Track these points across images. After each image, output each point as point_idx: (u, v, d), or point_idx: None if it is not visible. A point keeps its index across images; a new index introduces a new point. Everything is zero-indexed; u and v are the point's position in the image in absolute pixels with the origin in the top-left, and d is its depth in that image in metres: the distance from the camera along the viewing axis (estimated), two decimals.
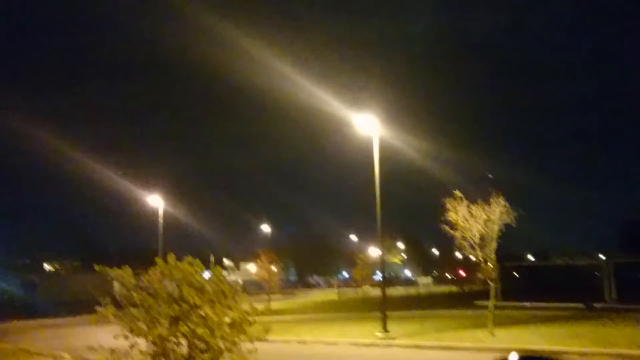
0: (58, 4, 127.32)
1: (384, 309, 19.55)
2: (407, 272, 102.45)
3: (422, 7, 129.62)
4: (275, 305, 40.28)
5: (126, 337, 10.67)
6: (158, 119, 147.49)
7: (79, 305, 39.91)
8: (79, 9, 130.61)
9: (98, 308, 10.92)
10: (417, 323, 23.30)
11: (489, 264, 19.62)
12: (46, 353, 19.16)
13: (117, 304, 11.06)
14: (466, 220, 18.81)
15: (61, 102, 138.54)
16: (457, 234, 19.01)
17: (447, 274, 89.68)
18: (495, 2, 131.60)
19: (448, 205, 18.98)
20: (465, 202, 18.88)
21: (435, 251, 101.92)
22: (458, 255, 69.68)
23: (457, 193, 19.00)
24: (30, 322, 38.24)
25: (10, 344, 22.89)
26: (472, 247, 19.08)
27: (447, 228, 19.21)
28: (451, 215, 18.94)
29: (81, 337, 23.27)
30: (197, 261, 11.53)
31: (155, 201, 33.66)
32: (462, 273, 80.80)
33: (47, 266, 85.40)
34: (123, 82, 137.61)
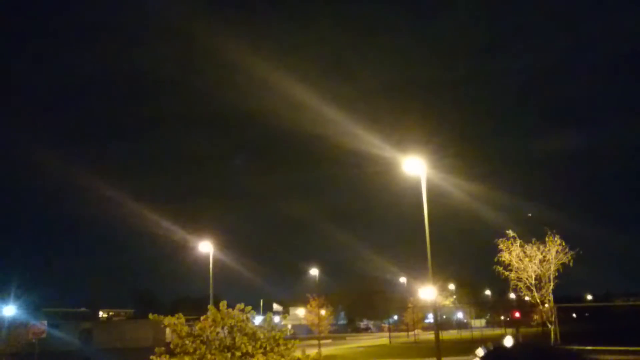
0: (121, 61, 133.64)
1: (438, 354, 18.91)
2: (460, 315, 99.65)
3: (466, 51, 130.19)
4: (325, 350, 39.62)
5: None
6: (210, 168, 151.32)
7: (133, 353, 40.43)
8: (134, 63, 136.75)
9: (153, 357, 11.00)
10: None
11: (546, 305, 18.89)
12: None
13: (171, 352, 11.11)
14: (520, 260, 18.27)
15: (118, 153, 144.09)
16: (512, 275, 18.45)
17: (501, 316, 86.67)
18: (537, 44, 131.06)
19: (501, 246, 18.50)
20: (518, 241, 18.37)
21: (488, 293, 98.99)
22: (512, 296, 67.55)
23: (510, 232, 18.53)
24: None
25: None
26: (529, 288, 18.45)
27: (500, 269, 18.69)
28: (504, 256, 18.43)
29: None
30: (249, 307, 11.51)
31: (206, 247, 34.04)
32: (517, 315, 77.91)
33: (102, 314, 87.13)
34: (178, 133, 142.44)
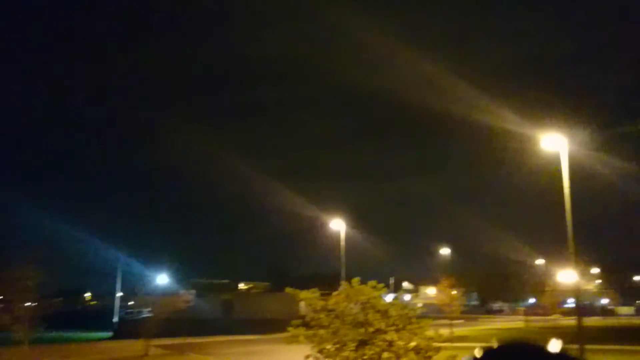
0: (247, 45, 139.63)
1: (580, 340, 17.87)
2: (604, 301, 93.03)
3: (604, 19, 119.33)
4: (457, 331, 38.97)
5: (316, 359, 11.11)
6: (339, 147, 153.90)
7: (269, 324, 42.63)
8: (261, 47, 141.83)
9: (290, 328, 11.54)
10: (621, 358, 20.90)
11: None
12: None
13: (305, 325, 11.57)
14: None
15: (253, 134, 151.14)
16: None
17: None
18: None
19: None
20: None
21: (638, 278, 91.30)
22: None
23: None
24: (227, 338, 41.56)
25: (212, 358, 25.04)
26: None
27: None
28: None
29: (273, 355, 24.79)
30: (380, 285, 11.63)
31: (337, 225, 34.75)
32: None
33: (241, 286, 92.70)
34: (307, 113, 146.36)
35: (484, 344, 1.44)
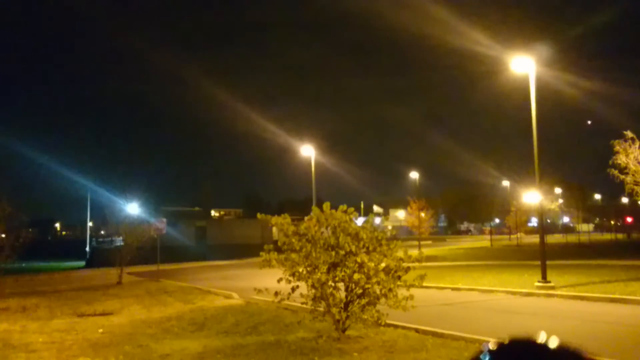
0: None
1: (542, 257, 18.58)
2: (565, 219, 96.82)
3: None
4: (426, 251, 40.16)
5: (288, 281, 11.34)
6: (309, 72, 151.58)
7: (243, 249, 43.32)
8: None
9: (262, 253, 11.67)
10: (579, 273, 21.89)
11: None
12: (217, 292, 20.97)
13: (277, 249, 11.72)
14: (638, 163, 17.09)
15: (225, 59, 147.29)
16: (628, 179, 17.37)
17: (611, 221, 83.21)
18: None
19: (617, 147, 17.32)
20: (638, 143, 17.09)
21: (597, 197, 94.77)
22: (625, 201, 64.18)
23: (629, 133, 17.24)
24: (201, 264, 42.21)
25: (186, 283, 25.42)
26: None
27: (615, 172, 17.62)
28: (620, 158, 17.29)
29: (246, 279, 25.27)
30: (351, 209, 11.75)
31: (308, 151, 34.72)
32: (629, 220, 74.59)
33: (214, 213, 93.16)
34: (280, 38, 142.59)
35: (495, 340, 1.42)
